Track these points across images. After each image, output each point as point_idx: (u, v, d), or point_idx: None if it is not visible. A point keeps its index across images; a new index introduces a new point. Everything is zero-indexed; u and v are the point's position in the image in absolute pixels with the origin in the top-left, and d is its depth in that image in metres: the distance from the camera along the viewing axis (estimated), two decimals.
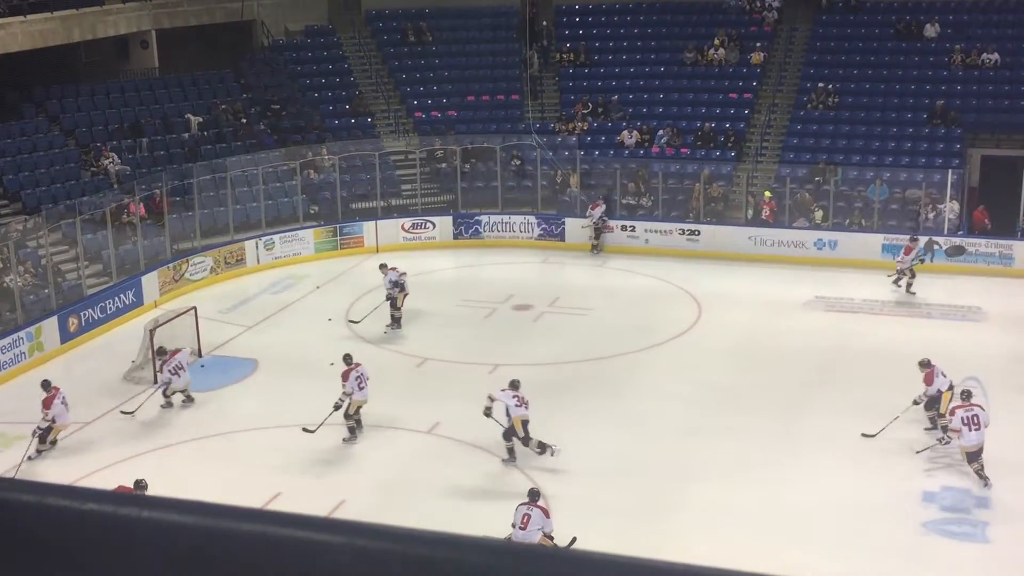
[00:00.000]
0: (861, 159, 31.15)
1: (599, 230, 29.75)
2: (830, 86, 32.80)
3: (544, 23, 37.02)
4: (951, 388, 17.88)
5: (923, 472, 16.87)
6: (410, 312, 24.51)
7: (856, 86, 33.12)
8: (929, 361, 18.31)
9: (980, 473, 16.30)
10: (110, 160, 29.41)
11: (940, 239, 27.53)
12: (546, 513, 14.29)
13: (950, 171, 28.79)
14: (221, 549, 1.31)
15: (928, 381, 18.09)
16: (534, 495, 14.66)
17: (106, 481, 16.84)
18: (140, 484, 15.07)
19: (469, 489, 16.68)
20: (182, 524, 1.32)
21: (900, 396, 19.22)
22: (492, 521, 14.20)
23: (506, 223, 31.15)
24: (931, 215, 28.60)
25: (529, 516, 14.10)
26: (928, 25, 33.90)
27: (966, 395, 16.87)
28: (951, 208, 28.34)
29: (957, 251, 27.29)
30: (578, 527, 14.47)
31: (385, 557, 1.33)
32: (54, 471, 17.61)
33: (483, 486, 16.77)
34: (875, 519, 15.45)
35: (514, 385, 17.63)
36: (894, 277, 25.83)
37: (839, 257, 27.96)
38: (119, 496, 1.36)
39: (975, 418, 16.20)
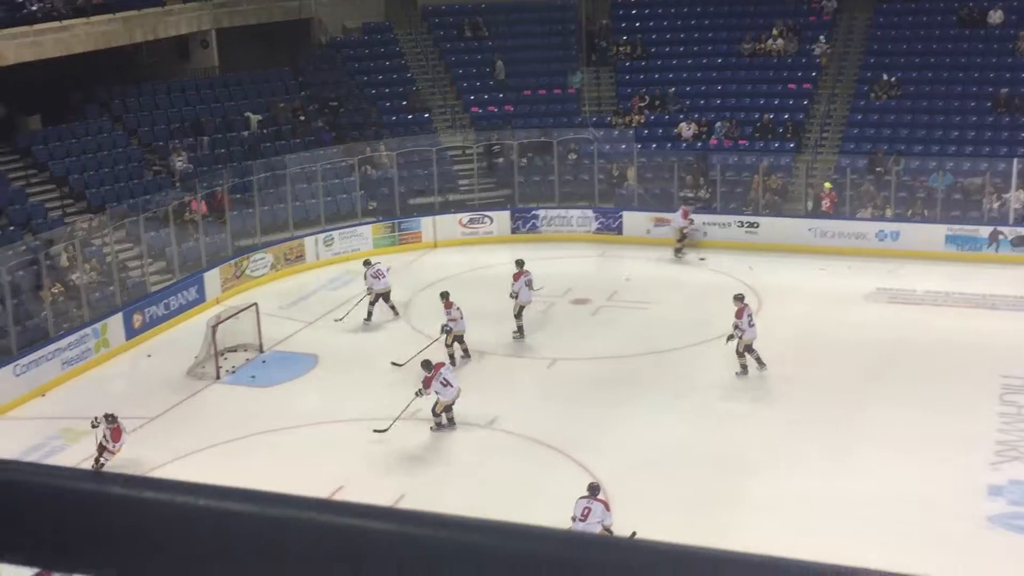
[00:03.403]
0: (923, 149, 30.66)
1: None
2: (892, 78, 32.31)
3: (604, 22, 36.88)
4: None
5: (989, 466, 16.60)
6: (468, 307, 24.58)
7: (918, 75, 32.60)
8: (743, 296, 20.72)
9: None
10: (181, 159, 29.82)
11: (1005, 229, 27.07)
12: (607, 506, 14.27)
13: (1015, 160, 28.26)
14: (277, 536, 1.32)
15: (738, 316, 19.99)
16: (594, 489, 14.65)
17: (170, 476, 17.07)
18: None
19: (528, 482, 16.69)
20: (239, 512, 1.33)
21: (965, 387, 18.96)
22: (552, 514, 14.19)
23: (563, 217, 31.10)
24: (996, 204, 28.10)
25: (590, 509, 14.09)
26: (992, 11, 33.28)
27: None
28: (1016, 197, 27.81)
29: (1022, 241, 26.81)
30: (638, 521, 14.42)
31: (442, 545, 1.33)
32: (117, 467, 17.86)
33: (542, 480, 16.76)
34: (940, 512, 15.24)
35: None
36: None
37: (901, 248, 27.57)
38: (176, 484, 1.37)
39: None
